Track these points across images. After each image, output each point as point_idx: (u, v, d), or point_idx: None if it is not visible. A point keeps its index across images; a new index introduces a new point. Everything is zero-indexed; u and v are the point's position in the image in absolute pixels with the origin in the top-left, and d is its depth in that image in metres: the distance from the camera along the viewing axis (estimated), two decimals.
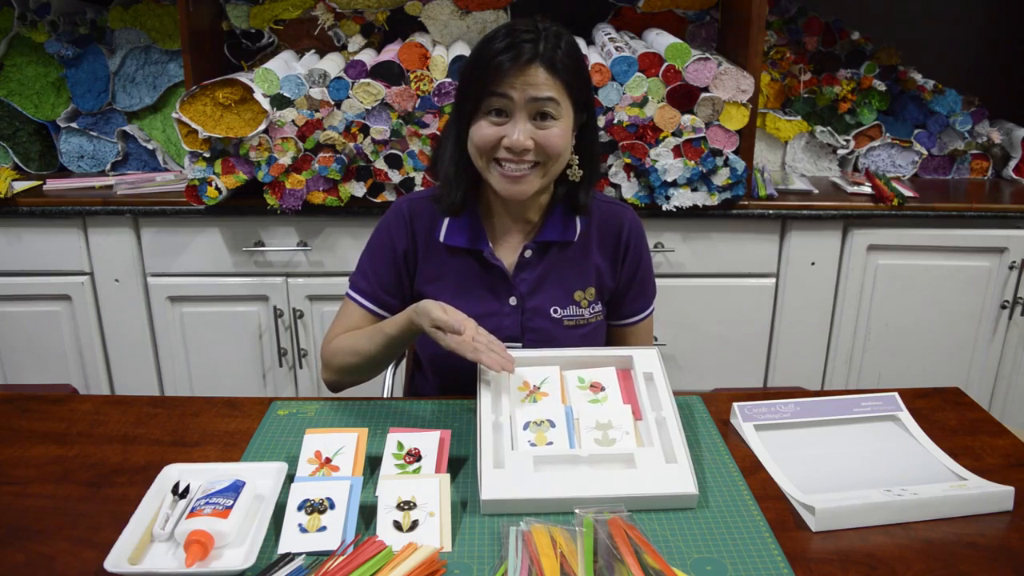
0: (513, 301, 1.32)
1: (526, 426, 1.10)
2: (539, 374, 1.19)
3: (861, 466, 1.12)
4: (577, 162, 1.29)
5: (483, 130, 1.21)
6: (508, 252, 1.34)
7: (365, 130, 2.00)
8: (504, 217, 1.34)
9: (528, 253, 1.32)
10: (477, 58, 1.21)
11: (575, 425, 1.11)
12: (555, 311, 1.33)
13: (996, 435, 1.21)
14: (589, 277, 1.35)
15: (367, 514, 0.98)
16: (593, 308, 1.35)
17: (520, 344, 1.32)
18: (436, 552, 0.91)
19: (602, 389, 1.17)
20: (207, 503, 0.94)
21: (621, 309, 1.41)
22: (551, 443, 1.08)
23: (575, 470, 1.04)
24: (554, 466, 1.04)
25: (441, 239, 1.33)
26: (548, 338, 1.32)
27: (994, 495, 1.01)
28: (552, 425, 1.10)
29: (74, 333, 2.22)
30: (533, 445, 1.07)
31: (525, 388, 1.17)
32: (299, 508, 0.96)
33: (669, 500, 1.00)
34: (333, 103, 1.98)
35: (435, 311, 1.14)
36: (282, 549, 0.92)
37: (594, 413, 1.13)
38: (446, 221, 1.33)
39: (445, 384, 1.39)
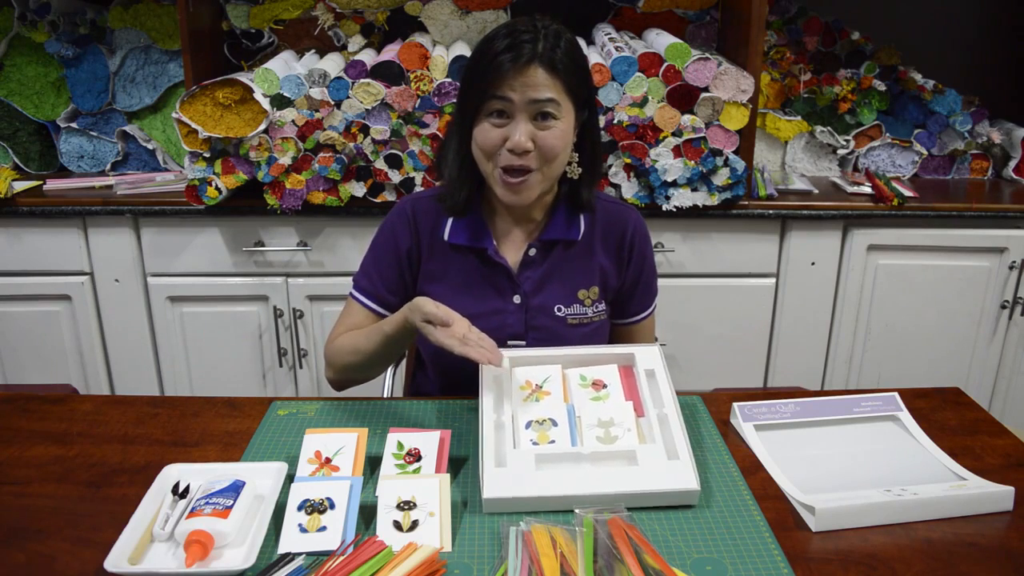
0: (517, 299, 1.32)
1: (528, 425, 1.10)
2: (541, 373, 1.19)
3: (861, 466, 1.12)
4: (576, 159, 1.29)
5: (486, 133, 1.21)
6: (512, 250, 1.34)
7: (365, 130, 2.00)
8: (508, 216, 1.34)
9: (532, 251, 1.32)
10: (477, 59, 1.21)
11: (577, 423, 1.11)
12: (559, 309, 1.33)
13: (996, 435, 1.21)
14: (593, 276, 1.35)
15: (367, 514, 0.99)
16: (596, 307, 1.35)
17: (524, 343, 1.32)
18: (436, 552, 0.91)
19: (604, 387, 1.17)
20: (207, 503, 0.94)
21: (626, 308, 1.42)
22: (553, 441, 1.08)
23: (577, 468, 1.04)
24: (556, 464, 1.04)
25: (445, 237, 1.33)
26: (552, 336, 1.32)
27: (994, 495, 1.01)
28: (554, 424, 1.10)
29: (74, 333, 2.22)
30: (535, 444, 1.07)
31: (527, 387, 1.17)
32: (299, 508, 0.97)
33: (671, 496, 1.00)
34: (333, 103, 1.98)
35: (427, 306, 1.14)
36: (282, 549, 0.92)
37: (596, 411, 1.13)
38: (450, 219, 1.33)
39: (447, 382, 1.39)
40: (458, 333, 1.12)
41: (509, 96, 1.18)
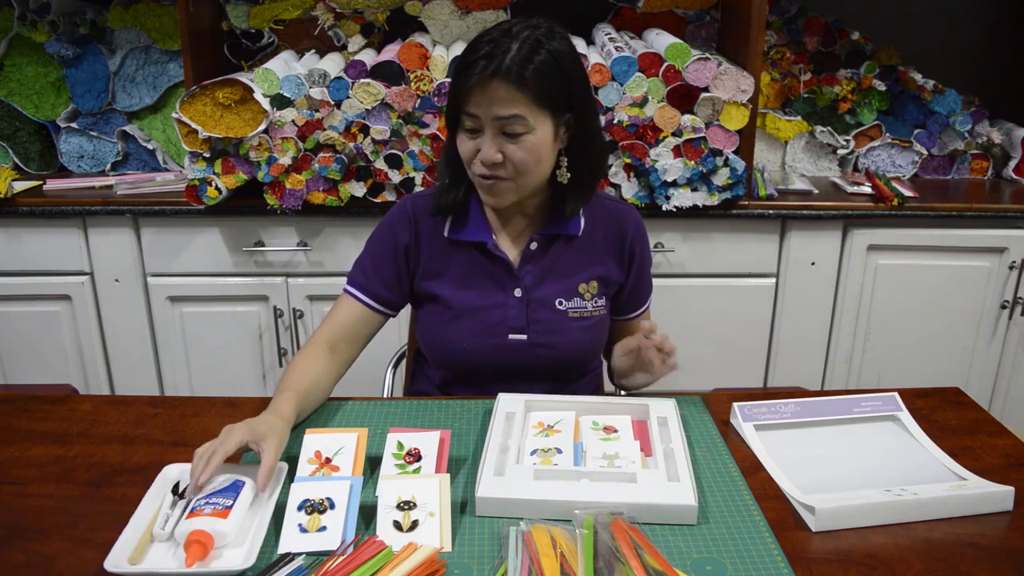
0: (518, 293, 1.33)
1: (533, 452, 1.10)
2: (554, 417, 1.19)
3: (861, 466, 1.12)
4: (566, 164, 1.26)
5: (462, 144, 1.23)
6: (512, 244, 1.35)
7: (365, 130, 2.00)
8: (506, 211, 1.34)
9: (534, 245, 1.33)
10: (455, 67, 1.22)
11: (583, 456, 1.10)
12: (560, 303, 1.33)
13: (996, 435, 1.21)
14: (593, 271, 1.35)
15: (367, 514, 0.99)
16: (596, 302, 1.36)
17: (525, 336, 1.32)
18: (436, 552, 0.91)
19: (615, 431, 1.17)
20: (207, 503, 0.94)
21: (627, 304, 1.43)
22: (556, 465, 1.07)
23: (576, 483, 1.02)
24: (555, 479, 1.03)
25: (445, 233, 1.33)
26: (553, 329, 1.32)
27: (994, 495, 1.01)
28: (559, 452, 1.10)
29: (74, 333, 2.22)
30: (537, 466, 1.07)
31: (539, 427, 1.17)
32: (299, 508, 0.96)
33: (668, 511, 0.98)
34: (333, 103, 1.98)
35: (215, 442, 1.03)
36: (282, 549, 0.92)
37: (603, 447, 1.12)
38: (450, 216, 1.34)
39: (448, 377, 1.40)
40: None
41: (475, 112, 1.18)
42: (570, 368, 1.37)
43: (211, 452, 1.00)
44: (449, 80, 1.98)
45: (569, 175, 1.27)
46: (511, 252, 1.34)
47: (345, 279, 1.37)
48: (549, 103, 1.18)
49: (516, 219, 1.35)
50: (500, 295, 1.33)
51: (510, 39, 1.16)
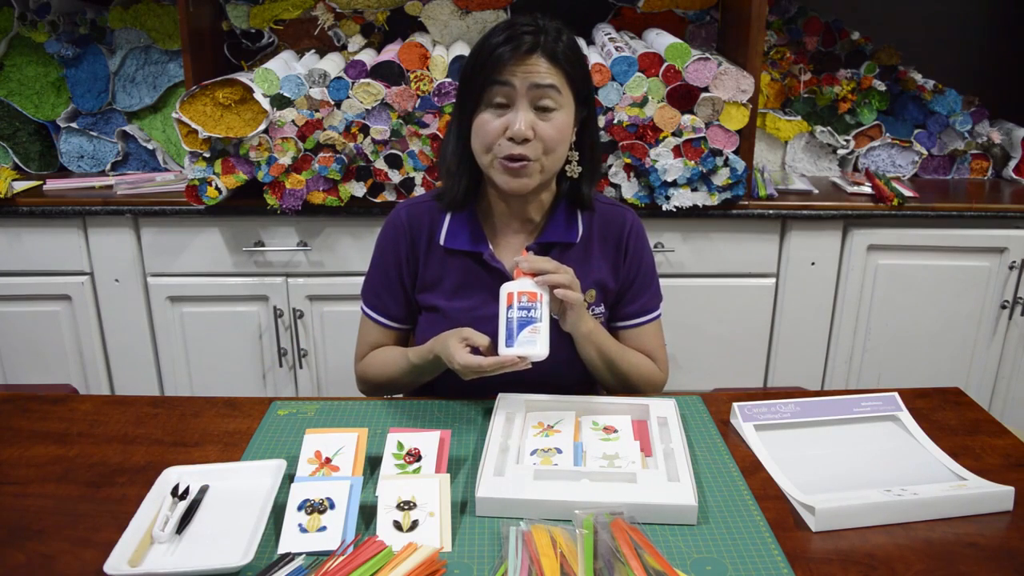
0: None
1: (533, 452, 1.10)
2: (554, 417, 1.20)
3: (861, 466, 1.12)
4: (576, 158, 1.30)
5: (487, 124, 1.21)
6: (509, 253, 1.34)
7: (365, 130, 2.00)
8: (505, 217, 1.34)
9: (530, 254, 1.32)
10: (478, 52, 1.22)
11: (583, 456, 1.10)
12: (555, 313, 1.33)
13: (996, 435, 1.21)
14: (590, 279, 1.34)
15: (367, 514, 0.99)
16: (594, 310, 1.35)
17: None
18: (436, 552, 0.91)
19: (615, 431, 1.17)
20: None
21: (626, 309, 1.39)
22: (556, 465, 1.07)
23: (576, 483, 1.03)
24: (555, 479, 1.03)
25: (441, 242, 1.33)
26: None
27: (994, 495, 1.01)
28: (559, 452, 1.10)
29: (74, 333, 2.22)
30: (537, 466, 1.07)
31: (539, 427, 1.17)
32: (299, 508, 0.97)
33: (668, 511, 0.98)
34: (333, 103, 1.98)
35: (461, 358, 1.17)
36: (282, 549, 0.92)
37: (603, 447, 1.12)
38: (446, 223, 1.33)
39: (448, 378, 1.39)
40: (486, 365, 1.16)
41: (511, 81, 1.19)
42: (568, 378, 1.35)
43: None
44: (449, 80, 1.98)
45: (580, 169, 1.30)
46: (508, 262, 1.33)
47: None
48: (576, 85, 1.23)
49: (513, 226, 1.34)
50: (495, 305, 1.32)
51: (533, 26, 1.21)
